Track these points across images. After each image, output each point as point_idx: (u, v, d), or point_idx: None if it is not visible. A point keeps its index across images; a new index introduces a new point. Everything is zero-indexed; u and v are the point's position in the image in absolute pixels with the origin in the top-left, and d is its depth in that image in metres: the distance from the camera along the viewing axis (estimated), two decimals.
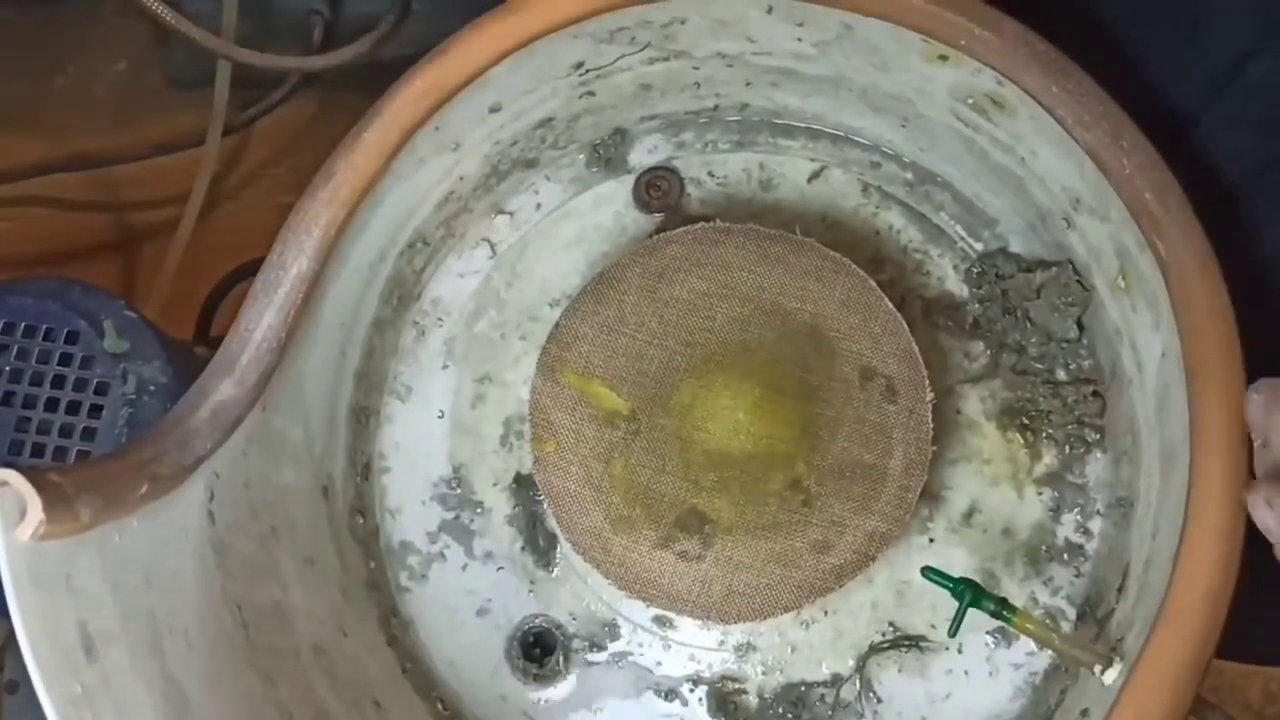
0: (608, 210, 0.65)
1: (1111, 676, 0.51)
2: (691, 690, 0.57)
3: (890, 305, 0.58)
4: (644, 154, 0.66)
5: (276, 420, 0.54)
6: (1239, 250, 0.54)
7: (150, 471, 0.45)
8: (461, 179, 0.61)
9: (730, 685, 0.57)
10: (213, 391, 0.49)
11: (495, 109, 0.58)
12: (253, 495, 0.53)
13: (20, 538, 0.37)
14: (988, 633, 0.57)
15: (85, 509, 0.39)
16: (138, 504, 0.44)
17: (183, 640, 0.46)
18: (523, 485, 0.60)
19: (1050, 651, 0.55)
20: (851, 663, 0.57)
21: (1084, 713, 0.53)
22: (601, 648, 0.58)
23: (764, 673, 0.57)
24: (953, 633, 0.51)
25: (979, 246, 0.63)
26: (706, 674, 0.57)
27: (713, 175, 0.65)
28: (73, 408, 0.61)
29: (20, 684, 0.68)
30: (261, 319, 0.51)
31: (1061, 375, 0.60)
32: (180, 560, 0.48)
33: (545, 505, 0.58)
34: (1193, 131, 0.59)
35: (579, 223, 0.65)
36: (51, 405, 0.61)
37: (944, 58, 0.57)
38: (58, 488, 0.38)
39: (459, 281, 0.62)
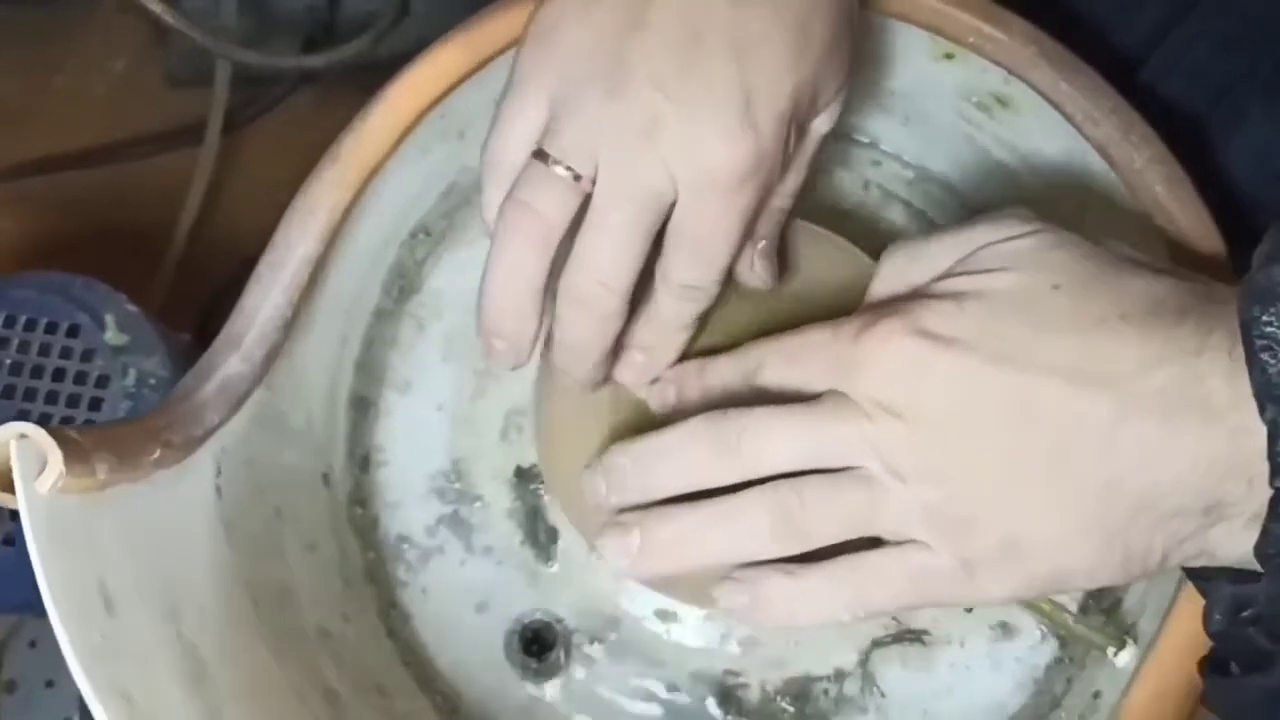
0: None
1: (1125, 659, 0.51)
2: (693, 684, 0.57)
3: None
4: None
5: (279, 403, 0.54)
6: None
7: (162, 438, 0.45)
8: (464, 169, 0.61)
9: (732, 679, 0.57)
10: (219, 366, 0.50)
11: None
12: (256, 474, 0.53)
13: (40, 489, 0.37)
14: (990, 627, 0.56)
15: (102, 466, 0.40)
16: (150, 468, 0.44)
17: (196, 609, 0.46)
18: (523, 479, 0.60)
19: (1056, 639, 0.55)
20: (855, 656, 0.56)
21: (1096, 694, 0.53)
22: (602, 642, 0.57)
23: (766, 667, 0.57)
24: None
25: None
26: (708, 668, 0.57)
27: None
28: (73, 400, 0.61)
29: (19, 683, 0.68)
30: (267, 297, 0.51)
31: None
32: (191, 530, 0.48)
33: (547, 499, 0.58)
34: (1136, 76, 0.60)
35: None
36: (52, 398, 0.61)
37: (950, 56, 0.58)
38: (75, 443, 0.39)
39: (460, 275, 0.62)
